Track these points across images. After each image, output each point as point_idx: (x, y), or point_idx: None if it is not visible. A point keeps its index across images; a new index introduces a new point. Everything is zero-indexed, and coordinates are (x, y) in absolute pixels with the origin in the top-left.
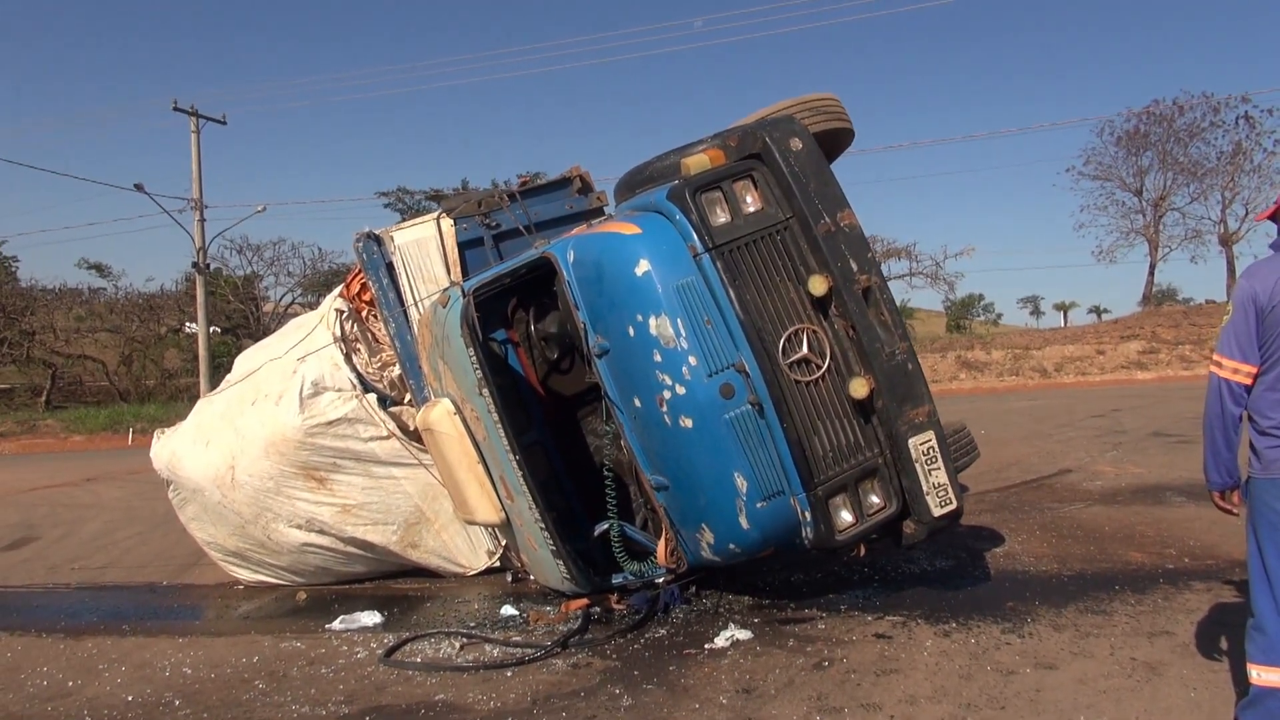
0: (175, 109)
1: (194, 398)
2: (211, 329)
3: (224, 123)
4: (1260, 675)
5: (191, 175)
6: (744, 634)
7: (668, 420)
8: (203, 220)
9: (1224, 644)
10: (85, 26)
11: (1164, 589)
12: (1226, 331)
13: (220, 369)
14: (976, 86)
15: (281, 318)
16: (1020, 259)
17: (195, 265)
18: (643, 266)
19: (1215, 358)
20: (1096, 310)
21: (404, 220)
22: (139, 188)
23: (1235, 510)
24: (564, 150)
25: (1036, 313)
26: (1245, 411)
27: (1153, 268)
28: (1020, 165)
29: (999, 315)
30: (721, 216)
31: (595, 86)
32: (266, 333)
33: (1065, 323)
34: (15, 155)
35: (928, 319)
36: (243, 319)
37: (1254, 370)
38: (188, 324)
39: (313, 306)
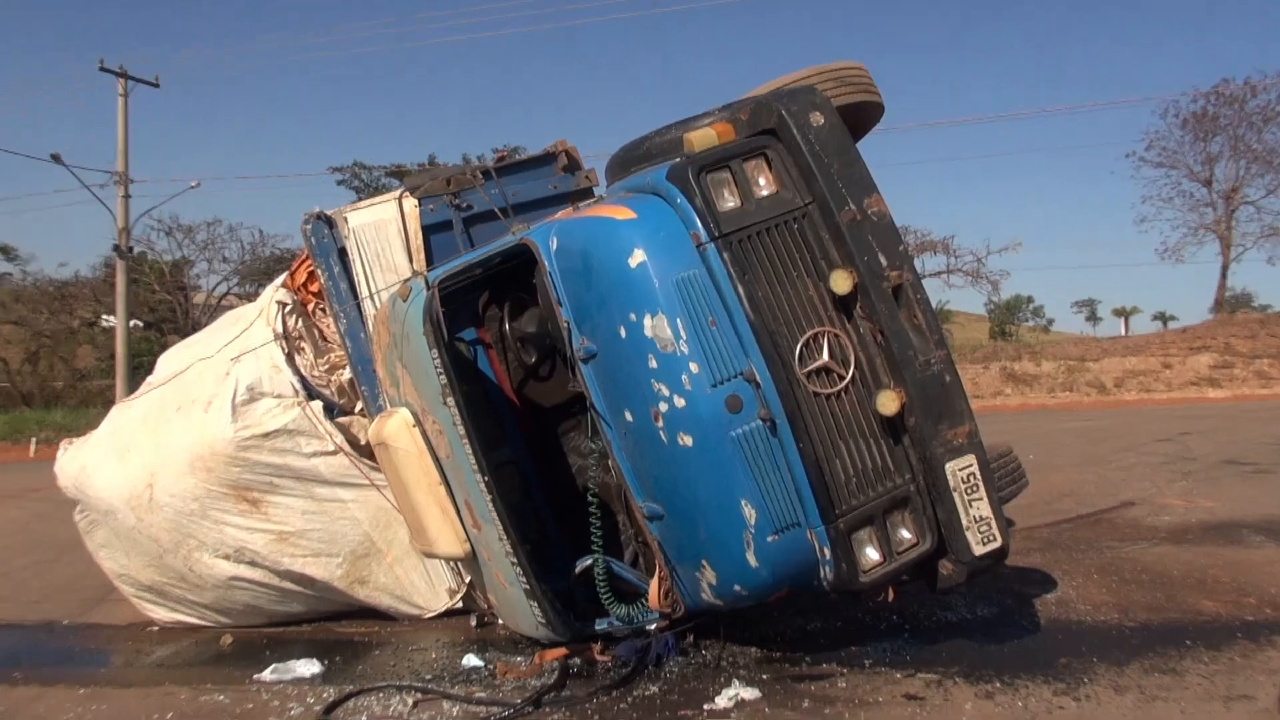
0: (102, 69)
1: (109, 403)
2: (132, 323)
3: (156, 85)
4: None
5: (117, 145)
6: (750, 692)
7: (664, 437)
8: (127, 196)
9: None
10: None
11: (1242, 644)
12: None
13: (141, 370)
14: (1024, 59)
15: (214, 311)
16: (1075, 255)
17: (116, 248)
18: (637, 257)
19: None
20: (1162, 317)
21: (360, 200)
22: (56, 159)
23: None
24: (547, 124)
25: (1093, 318)
26: None
27: (1225, 269)
28: (1074, 149)
29: (1050, 321)
30: (730, 201)
31: (586, 51)
32: (196, 327)
33: (1126, 331)
34: None
35: (968, 324)
36: (169, 311)
37: None
38: (104, 317)
39: (251, 298)
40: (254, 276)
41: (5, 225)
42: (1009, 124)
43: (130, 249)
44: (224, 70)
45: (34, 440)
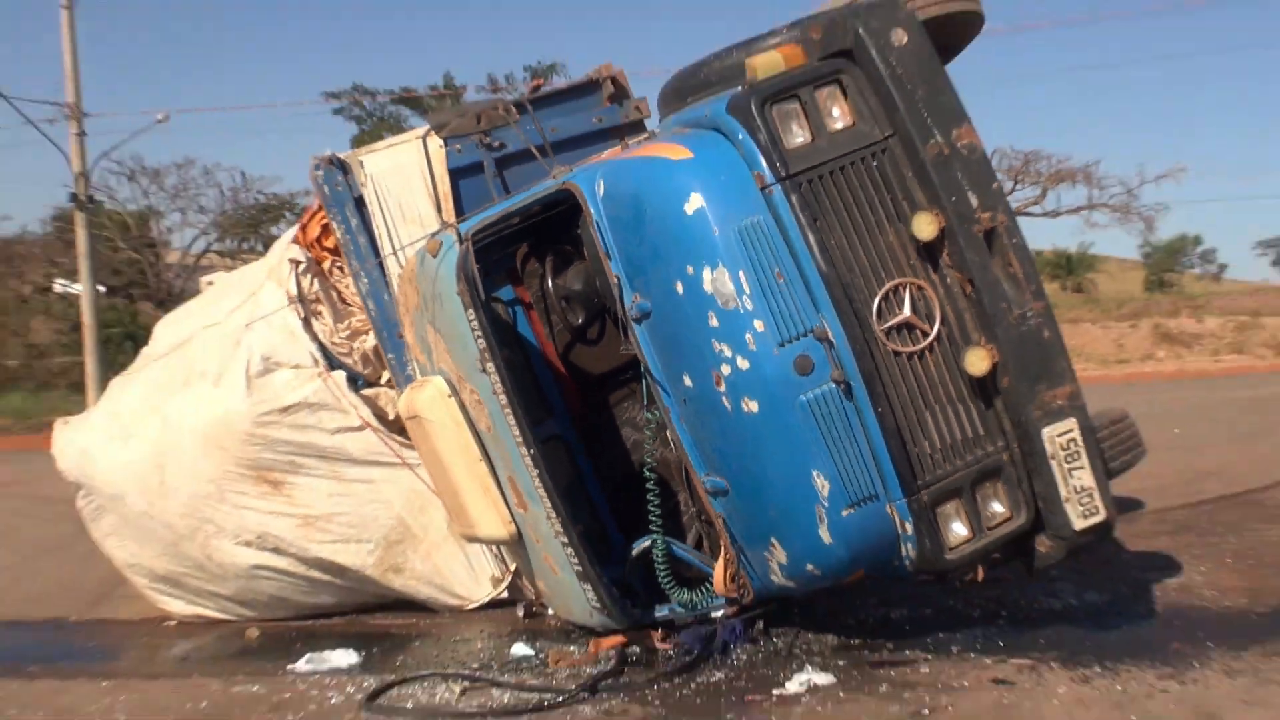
0: None
1: (74, 384)
2: (96, 287)
3: None
4: None
5: (64, 69)
6: (824, 678)
7: (727, 404)
8: (82, 134)
9: None
10: None
11: None
12: None
13: (110, 343)
14: None
15: (191, 272)
16: (1257, 184)
17: (74, 197)
18: (695, 202)
19: None
20: None
21: (363, 132)
22: None
23: None
24: (587, 40)
25: None
26: None
27: None
28: (1253, 49)
29: (1222, 267)
30: (799, 136)
31: None
32: (170, 292)
33: None
34: None
35: (1119, 272)
36: (137, 273)
37: None
38: (59, 282)
39: (233, 255)
40: (237, 229)
41: None
42: (1172, 19)
43: (90, 198)
44: None
45: None
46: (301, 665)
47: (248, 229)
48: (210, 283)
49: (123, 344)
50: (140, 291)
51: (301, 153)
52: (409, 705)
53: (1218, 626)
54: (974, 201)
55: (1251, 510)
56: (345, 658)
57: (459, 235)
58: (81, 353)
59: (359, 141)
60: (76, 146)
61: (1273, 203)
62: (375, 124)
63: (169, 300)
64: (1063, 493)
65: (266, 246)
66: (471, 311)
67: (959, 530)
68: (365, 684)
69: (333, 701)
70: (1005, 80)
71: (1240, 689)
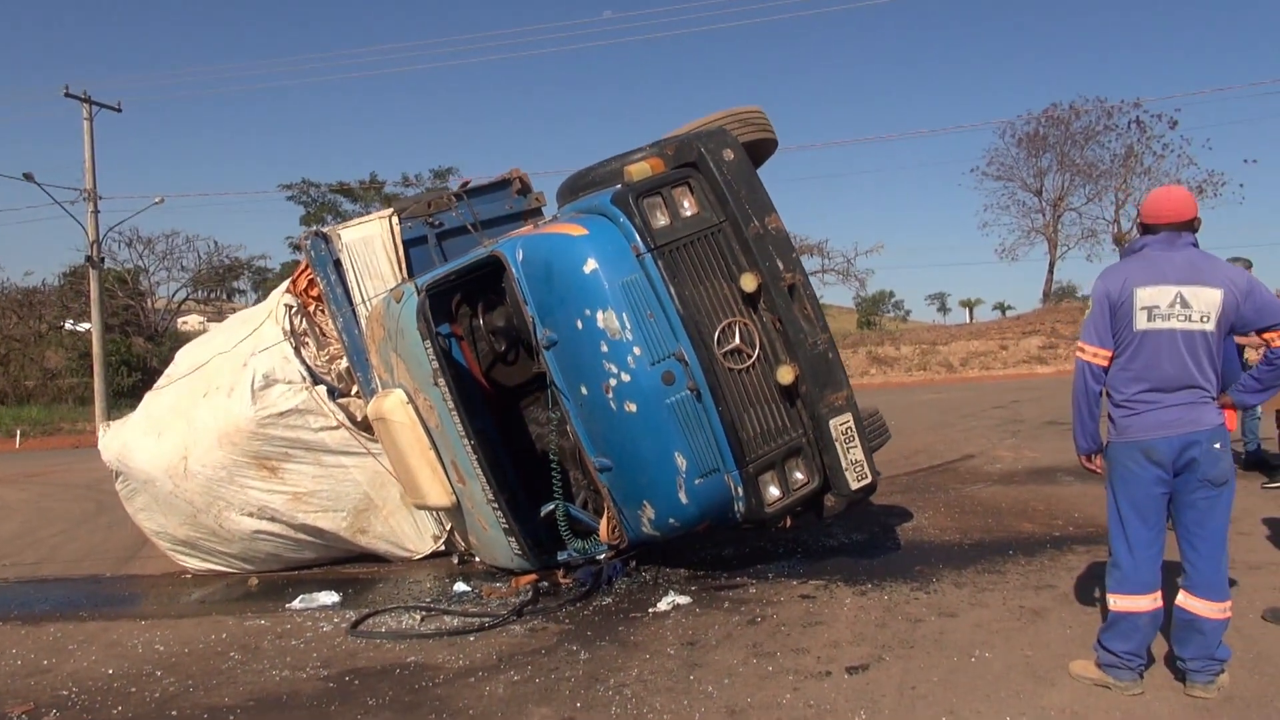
0: (67, 94)
1: (80, 399)
2: (86, 326)
3: (119, 110)
4: (1116, 603)
5: (84, 164)
6: (684, 599)
7: (613, 406)
8: (96, 212)
9: (1097, 593)
10: None
11: (1050, 552)
12: (1087, 323)
13: (110, 367)
14: (889, 89)
15: (174, 314)
16: (928, 256)
17: (89, 259)
18: (590, 265)
19: (1079, 345)
20: (1001, 307)
21: (309, 213)
22: (28, 177)
23: (1099, 470)
24: (477, 145)
25: (944, 309)
26: (1104, 388)
27: (1052, 265)
28: (928, 165)
29: (908, 311)
30: (661, 220)
31: (503, 81)
32: (156, 330)
33: (971, 319)
34: None
35: (839, 315)
36: (131, 315)
37: (1109, 354)
38: (68, 321)
39: (206, 303)
40: (208, 283)
41: None
42: (878, 145)
43: (101, 259)
44: (182, 95)
45: (19, 433)
46: (296, 604)
47: (216, 283)
48: (186, 322)
49: (119, 368)
50: (132, 329)
51: (260, 228)
52: (383, 630)
53: (942, 554)
54: (780, 265)
55: (950, 475)
56: (329, 597)
57: (418, 288)
58: (89, 375)
59: (306, 220)
60: (92, 221)
61: (938, 268)
62: (318, 208)
63: (155, 336)
64: (843, 464)
65: (230, 297)
66: (428, 342)
67: (774, 492)
68: (347, 616)
69: (324, 629)
70: (773, 182)
71: (966, 595)
